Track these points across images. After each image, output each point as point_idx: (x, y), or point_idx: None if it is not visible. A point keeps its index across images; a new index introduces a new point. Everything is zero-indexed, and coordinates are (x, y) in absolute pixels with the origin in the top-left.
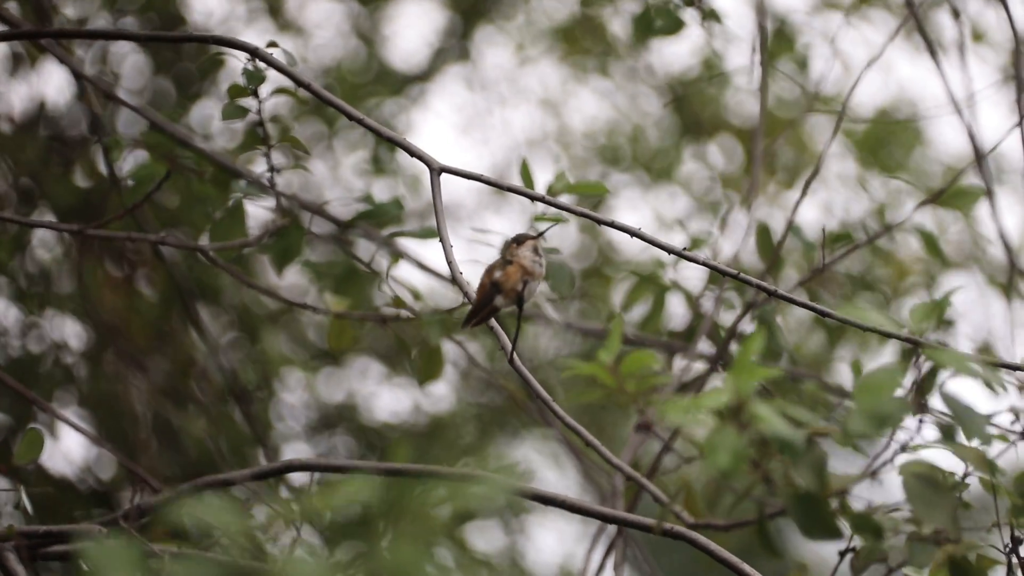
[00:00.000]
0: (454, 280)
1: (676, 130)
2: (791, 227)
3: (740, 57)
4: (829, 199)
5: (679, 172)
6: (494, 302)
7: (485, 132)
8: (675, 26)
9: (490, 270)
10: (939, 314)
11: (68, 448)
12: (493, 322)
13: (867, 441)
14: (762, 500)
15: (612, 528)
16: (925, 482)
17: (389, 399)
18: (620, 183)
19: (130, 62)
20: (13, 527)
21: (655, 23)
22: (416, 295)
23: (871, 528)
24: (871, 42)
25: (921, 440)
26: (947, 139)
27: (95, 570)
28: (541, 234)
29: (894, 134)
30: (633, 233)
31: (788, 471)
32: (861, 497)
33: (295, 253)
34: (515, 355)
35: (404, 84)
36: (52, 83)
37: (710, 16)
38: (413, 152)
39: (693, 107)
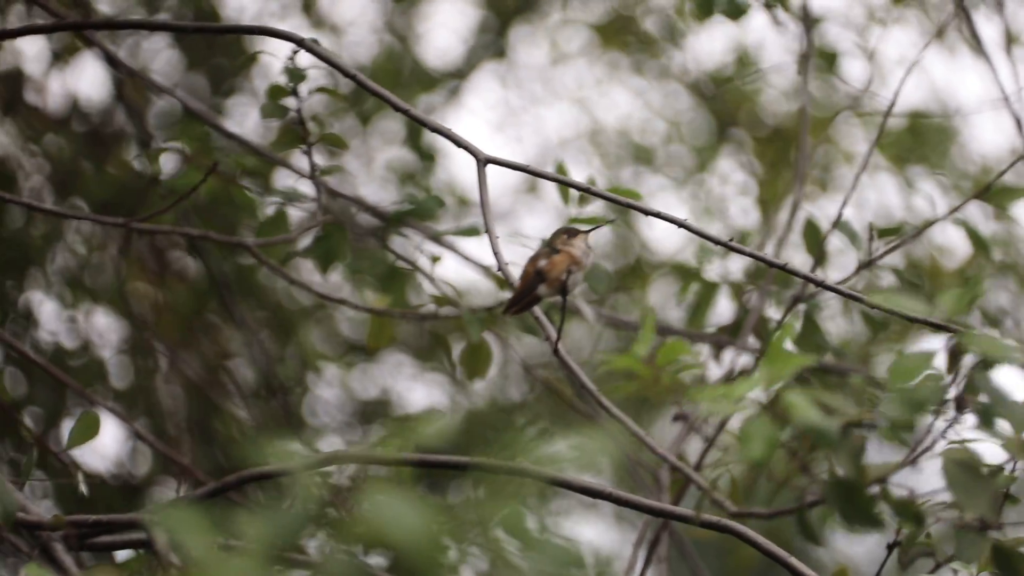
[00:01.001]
0: (500, 270)
1: (710, 129)
2: (839, 221)
3: (775, 55)
4: (863, 199)
5: (713, 171)
6: (537, 291)
7: (519, 130)
8: (738, 11)
9: (534, 259)
10: (971, 300)
11: (101, 443)
12: (538, 312)
13: (907, 433)
14: (802, 489)
15: (656, 524)
16: (965, 469)
17: (423, 394)
18: (654, 183)
19: (163, 58)
20: (62, 516)
21: (717, 3)
22: (458, 293)
23: (912, 515)
24: (902, 41)
25: (961, 429)
26: (981, 139)
27: (174, 535)
28: (593, 229)
29: (929, 134)
30: (679, 224)
31: (827, 460)
32: (902, 486)
33: (338, 255)
34: (560, 345)
35: (438, 81)
36: (88, 77)
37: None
38: (459, 143)
39: (728, 106)
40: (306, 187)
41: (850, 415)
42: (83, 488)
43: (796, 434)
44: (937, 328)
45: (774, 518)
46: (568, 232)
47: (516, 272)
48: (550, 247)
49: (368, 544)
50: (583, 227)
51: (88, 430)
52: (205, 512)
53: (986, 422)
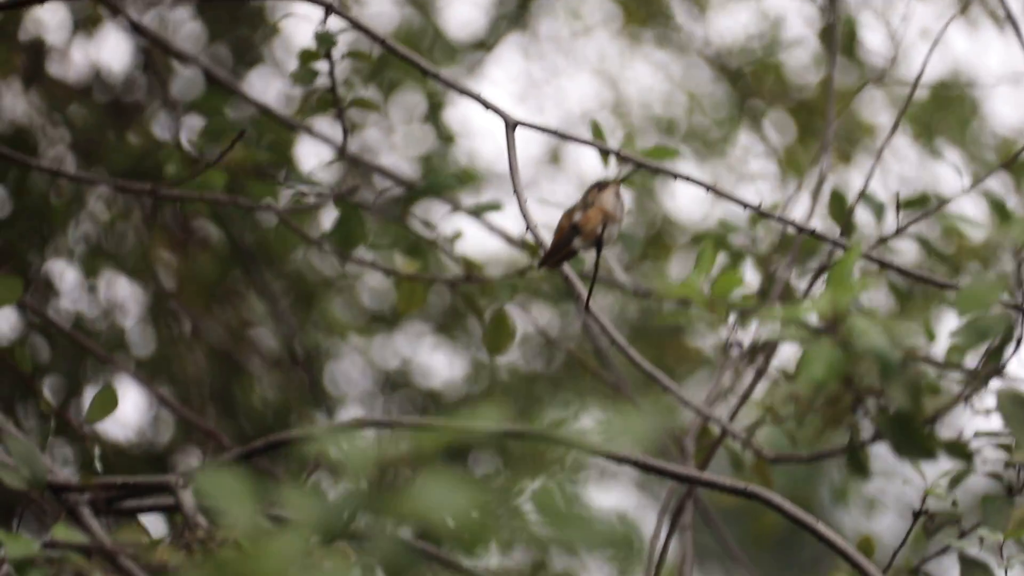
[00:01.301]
0: (529, 230)
1: (732, 101)
2: (865, 191)
3: (797, 28)
4: (885, 171)
5: (735, 143)
6: (572, 244)
7: (541, 102)
8: None
9: (569, 213)
10: None
11: (123, 411)
12: (569, 271)
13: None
14: (852, 423)
15: (681, 491)
16: (1021, 405)
17: (444, 364)
18: (682, 152)
19: (186, 30)
20: (90, 477)
21: None
22: (477, 266)
23: (962, 453)
24: (925, 14)
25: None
26: (1002, 113)
27: (215, 499)
28: (623, 179)
29: (952, 106)
30: (708, 188)
31: (881, 392)
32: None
33: (358, 238)
34: (590, 302)
35: (460, 52)
36: (110, 47)
37: None
38: (489, 106)
39: (751, 78)
40: (323, 173)
41: (912, 344)
42: (98, 464)
43: (850, 361)
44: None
45: (815, 461)
46: (599, 185)
47: (545, 235)
48: (584, 201)
49: (415, 523)
50: (611, 178)
51: (106, 404)
52: (240, 478)
53: None
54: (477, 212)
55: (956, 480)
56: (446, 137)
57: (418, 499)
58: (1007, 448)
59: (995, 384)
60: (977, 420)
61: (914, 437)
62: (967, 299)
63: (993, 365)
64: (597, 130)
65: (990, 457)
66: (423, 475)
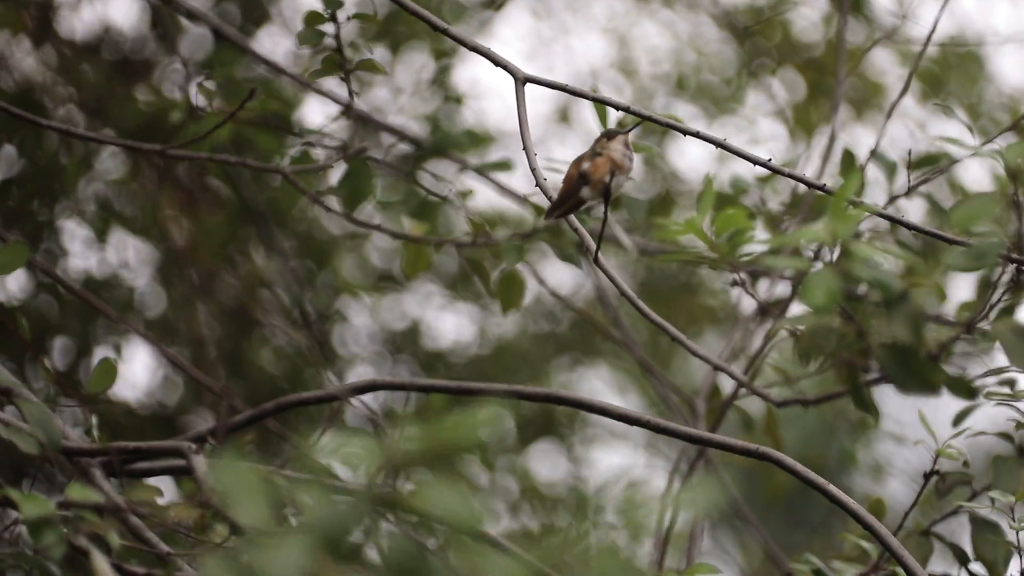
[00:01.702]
0: (538, 185)
1: (742, 60)
2: (876, 150)
3: None
4: (893, 131)
5: (745, 102)
6: (580, 194)
7: (550, 60)
8: None
9: (578, 161)
10: None
11: (131, 372)
12: (577, 223)
13: None
14: (854, 361)
15: (692, 452)
16: (1021, 336)
17: (452, 325)
18: (685, 114)
19: None
20: (105, 440)
21: None
22: (491, 223)
23: (965, 389)
24: None
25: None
26: (1011, 74)
27: (223, 488)
28: (630, 129)
29: (959, 66)
30: (717, 143)
31: (882, 325)
32: (955, 364)
33: (366, 192)
34: (599, 253)
35: (468, 11)
36: (119, 4)
37: None
38: (497, 61)
39: (760, 37)
40: (335, 122)
41: (915, 276)
42: (94, 430)
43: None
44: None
45: (822, 403)
46: (607, 135)
47: (553, 191)
48: (592, 151)
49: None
50: (620, 129)
51: (106, 376)
52: (251, 468)
53: None
54: (487, 170)
55: (961, 417)
56: (454, 97)
57: (423, 501)
58: (1011, 384)
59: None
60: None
61: (916, 370)
62: (959, 219)
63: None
64: (600, 110)
65: (995, 391)
66: (426, 477)
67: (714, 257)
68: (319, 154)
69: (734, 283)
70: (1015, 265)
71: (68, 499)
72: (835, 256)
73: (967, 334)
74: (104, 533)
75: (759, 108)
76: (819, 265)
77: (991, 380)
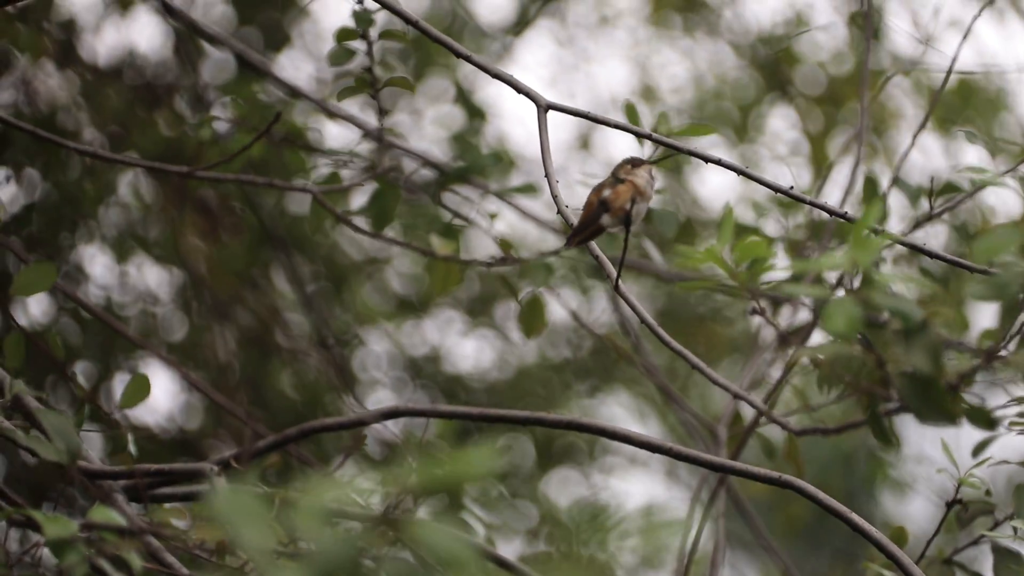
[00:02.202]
0: (560, 213)
1: (761, 88)
2: (897, 178)
3: (826, 16)
4: (911, 161)
5: (765, 130)
6: (600, 221)
7: (571, 87)
8: None
9: (599, 188)
10: None
11: (153, 397)
12: (598, 251)
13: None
14: (874, 390)
15: (713, 479)
16: None
17: (472, 351)
18: (706, 142)
19: (216, 13)
20: (130, 461)
21: None
22: (512, 246)
23: (985, 420)
24: (950, 2)
25: None
26: None
27: (223, 515)
28: (658, 160)
29: (979, 97)
30: (739, 171)
31: (902, 354)
32: (976, 394)
33: (392, 215)
34: (620, 281)
35: (490, 37)
36: (142, 30)
37: None
38: (520, 89)
39: (780, 66)
40: (359, 145)
41: (934, 306)
42: (132, 448)
43: (870, 326)
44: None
45: (842, 432)
46: (632, 162)
47: (574, 218)
48: (614, 177)
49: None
50: (644, 158)
51: (140, 391)
52: (257, 496)
53: None
54: (508, 193)
55: (980, 447)
56: (478, 115)
57: (424, 535)
58: None
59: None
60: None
61: (935, 401)
62: (982, 251)
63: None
64: (631, 111)
65: (1017, 420)
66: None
67: (734, 285)
68: (346, 175)
69: (753, 311)
70: None
71: (90, 521)
72: (856, 284)
73: (988, 364)
74: (125, 555)
75: (780, 136)
76: (840, 293)
77: (1011, 410)
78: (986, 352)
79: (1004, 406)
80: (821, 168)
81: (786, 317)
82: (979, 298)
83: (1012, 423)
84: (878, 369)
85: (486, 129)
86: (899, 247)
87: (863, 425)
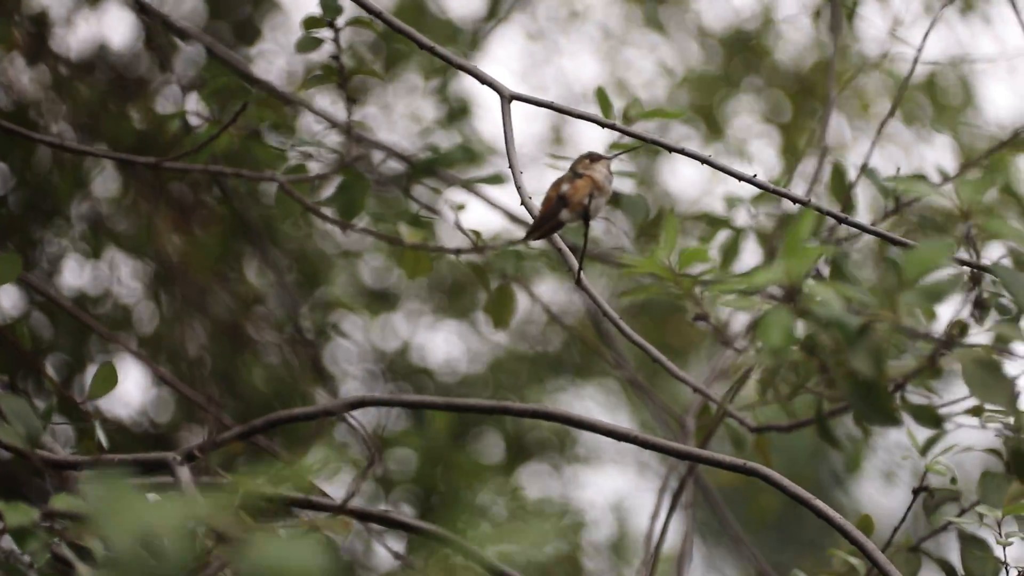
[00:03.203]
0: (524, 204)
1: (731, 80)
2: (865, 167)
3: (793, 7)
4: (879, 153)
5: (733, 121)
6: (559, 216)
7: (543, 80)
8: None
9: (557, 183)
10: (988, 188)
11: (125, 390)
12: (561, 244)
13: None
14: (820, 393)
15: (681, 469)
16: (984, 367)
17: (443, 343)
18: (676, 133)
19: (188, 6)
20: (94, 449)
21: None
22: (480, 237)
23: (931, 418)
24: None
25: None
26: (996, 98)
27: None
28: (616, 155)
29: (947, 90)
30: (703, 160)
31: (844, 359)
32: (920, 392)
33: (360, 205)
34: (582, 274)
35: (461, 30)
36: (112, 23)
37: None
38: (484, 80)
39: (749, 58)
40: (330, 128)
41: (871, 311)
42: (101, 436)
43: (815, 330)
44: (964, 266)
45: (794, 430)
46: (591, 157)
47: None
48: (573, 172)
49: None
50: (604, 154)
51: (107, 381)
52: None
53: (1005, 315)
54: (475, 183)
55: (929, 445)
56: (458, 108)
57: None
58: (976, 412)
59: (960, 348)
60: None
61: (877, 403)
62: (914, 262)
63: (957, 328)
64: (603, 97)
65: (962, 422)
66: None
67: (677, 293)
68: (315, 167)
69: (697, 318)
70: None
71: (52, 508)
72: (792, 295)
73: (932, 365)
74: (87, 543)
75: (750, 128)
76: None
77: (959, 407)
78: (929, 355)
79: (950, 403)
80: (791, 158)
81: (732, 315)
82: (914, 305)
83: (988, 417)
84: (821, 373)
85: (460, 121)
86: (866, 236)
87: (812, 424)
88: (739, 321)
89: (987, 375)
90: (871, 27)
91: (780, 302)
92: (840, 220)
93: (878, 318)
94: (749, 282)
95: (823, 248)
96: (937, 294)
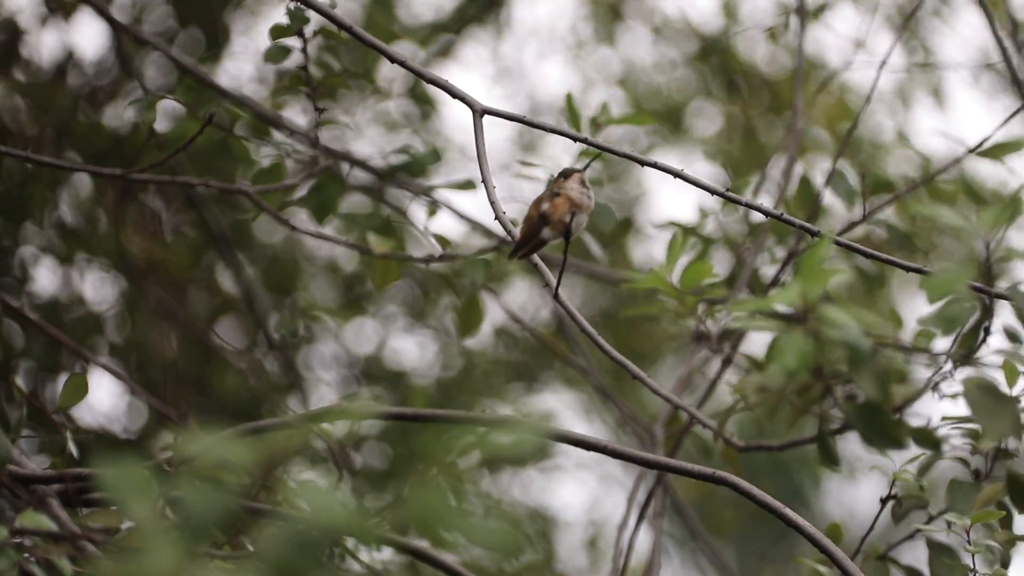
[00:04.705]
0: (497, 219)
1: (702, 87)
2: (833, 176)
3: (761, 13)
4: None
5: (706, 128)
6: (541, 234)
7: (514, 86)
8: None
9: (537, 202)
10: (1012, 215)
11: (97, 397)
12: (537, 259)
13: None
14: (822, 413)
15: (650, 478)
16: (987, 393)
17: (415, 349)
18: (647, 141)
19: (158, 13)
20: (59, 465)
21: None
22: (450, 244)
23: (930, 441)
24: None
25: (988, 351)
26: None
27: (110, 490)
28: (586, 166)
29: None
30: (675, 173)
31: (851, 381)
32: (921, 414)
33: (333, 206)
34: (559, 290)
35: (431, 35)
36: (83, 31)
37: None
38: (455, 93)
39: (721, 62)
40: (301, 140)
41: (882, 334)
42: (72, 447)
43: (819, 350)
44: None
45: (785, 450)
46: (564, 174)
47: (511, 221)
48: (551, 190)
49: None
50: (576, 167)
51: (77, 391)
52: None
53: (1014, 340)
54: (447, 188)
55: (924, 468)
56: (425, 103)
57: (301, 498)
58: (974, 435)
59: (963, 371)
60: (945, 407)
61: (882, 426)
62: (936, 286)
63: (962, 352)
64: (571, 105)
65: (958, 444)
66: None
67: (680, 310)
68: (288, 165)
69: (699, 337)
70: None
71: (21, 526)
72: (806, 317)
73: (932, 388)
74: (56, 560)
75: (721, 136)
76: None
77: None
78: (930, 378)
79: (942, 424)
80: (759, 167)
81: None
82: (934, 331)
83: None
84: (825, 394)
85: (433, 121)
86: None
87: (806, 443)
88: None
89: (990, 400)
90: (835, 38)
91: (794, 324)
92: (812, 232)
93: (885, 341)
94: (763, 305)
95: (839, 270)
96: (954, 320)
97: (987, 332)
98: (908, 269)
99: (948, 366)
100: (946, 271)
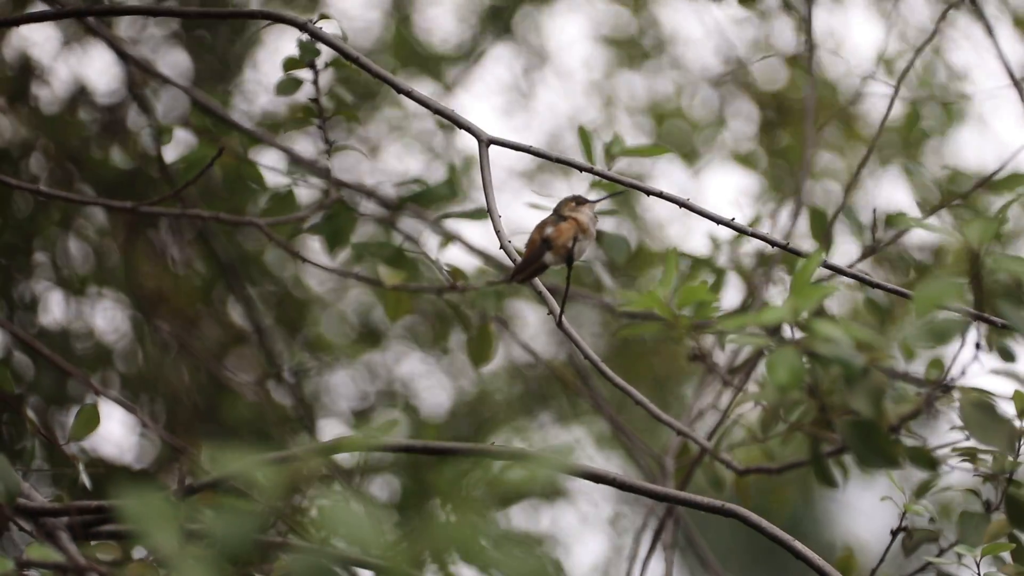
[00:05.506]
0: (502, 248)
1: (717, 114)
2: (844, 207)
3: (783, 43)
4: (864, 188)
5: (717, 156)
6: (543, 259)
7: (527, 115)
8: None
9: (541, 226)
10: (997, 229)
11: (109, 430)
12: (540, 285)
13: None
14: (816, 433)
15: (661, 510)
16: (982, 410)
17: (428, 381)
18: (660, 169)
19: (170, 45)
20: (66, 499)
21: None
22: (463, 275)
23: (926, 461)
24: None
25: (980, 368)
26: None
27: (133, 521)
28: (602, 199)
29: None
30: (682, 204)
31: (844, 399)
32: (918, 435)
33: (346, 236)
34: (563, 317)
35: (442, 65)
36: (95, 65)
37: None
38: (461, 124)
39: (735, 92)
40: (312, 171)
41: (875, 351)
42: (85, 479)
43: (811, 370)
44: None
45: (783, 472)
46: (576, 200)
47: (518, 252)
48: (557, 215)
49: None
50: (591, 196)
51: (89, 423)
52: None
53: (1007, 358)
54: (457, 218)
55: (923, 489)
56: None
57: (329, 520)
58: (971, 455)
59: (958, 391)
60: (943, 428)
61: (877, 446)
62: (923, 301)
63: (955, 373)
64: (584, 137)
65: (956, 465)
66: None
67: (675, 330)
68: (300, 193)
69: (694, 357)
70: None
71: (28, 558)
72: (797, 333)
73: (928, 408)
74: None
75: (734, 162)
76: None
77: (949, 448)
78: (926, 397)
79: (943, 446)
80: (773, 195)
81: (729, 352)
82: (920, 345)
83: (956, 450)
84: (820, 413)
85: (451, 143)
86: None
87: (805, 465)
88: (736, 358)
89: (985, 417)
90: (849, 65)
91: (787, 340)
92: (822, 264)
93: (879, 359)
94: (756, 319)
95: (830, 287)
96: (943, 335)
97: (979, 348)
98: (891, 291)
99: (943, 383)
100: (933, 286)
